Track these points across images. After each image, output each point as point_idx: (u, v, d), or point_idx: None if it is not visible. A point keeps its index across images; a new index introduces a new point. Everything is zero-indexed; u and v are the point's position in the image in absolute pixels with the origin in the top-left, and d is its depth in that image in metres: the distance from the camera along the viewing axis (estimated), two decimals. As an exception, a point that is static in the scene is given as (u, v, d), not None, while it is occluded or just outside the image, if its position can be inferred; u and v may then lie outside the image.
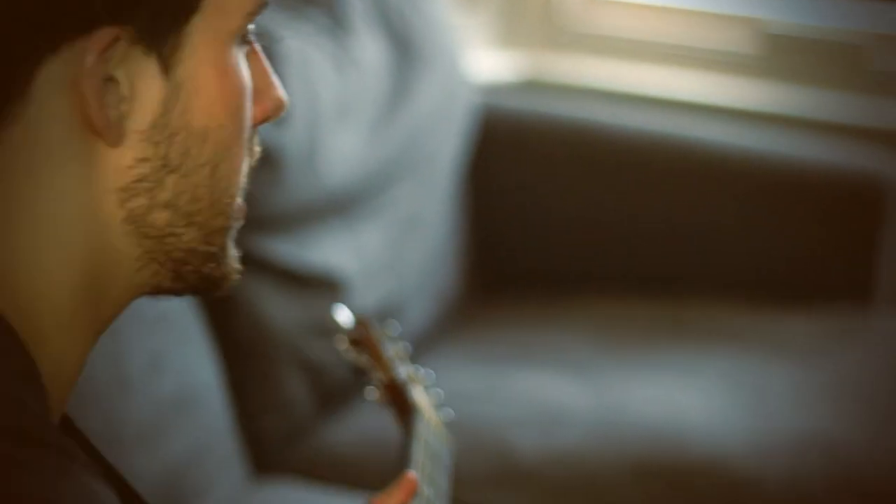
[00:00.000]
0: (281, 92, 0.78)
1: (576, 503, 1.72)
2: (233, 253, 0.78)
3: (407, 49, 2.01)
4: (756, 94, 2.47)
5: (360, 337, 1.22)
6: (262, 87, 0.77)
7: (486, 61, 2.51)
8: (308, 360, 1.88)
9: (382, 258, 2.01)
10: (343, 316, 1.23)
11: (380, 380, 1.18)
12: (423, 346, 2.05)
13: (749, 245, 2.22)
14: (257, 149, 0.78)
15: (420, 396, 1.15)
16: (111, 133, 0.70)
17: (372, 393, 1.17)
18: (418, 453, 1.06)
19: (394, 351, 1.21)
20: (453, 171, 2.21)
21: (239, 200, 0.77)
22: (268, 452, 1.83)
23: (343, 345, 1.21)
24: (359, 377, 1.21)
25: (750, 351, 2.00)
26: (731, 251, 2.22)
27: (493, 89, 2.45)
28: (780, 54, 2.47)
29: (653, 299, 2.19)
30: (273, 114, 0.78)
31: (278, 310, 1.84)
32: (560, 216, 2.28)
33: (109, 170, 0.71)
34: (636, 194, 2.26)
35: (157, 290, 0.76)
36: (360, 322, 1.23)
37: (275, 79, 0.78)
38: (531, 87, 2.58)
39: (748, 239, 2.22)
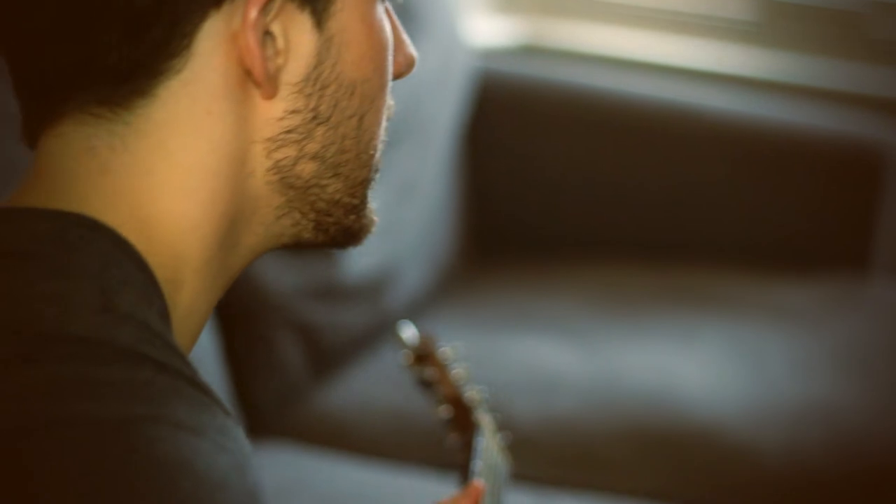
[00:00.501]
0: (413, 49, 0.81)
1: (572, 469, 1.71)
2: (371, 205, 0.80)
3: (405, 13, 2.00)
4: (755, 61, 2.46)
5: (425, 353, 1.23)
6: (396, 44, 0.79)
7: (485, 26, 2.50)
8: (303, 324, 1.88)
9: (379, 222, 2.00)
10: (408, 332, 1.25)
11: (444, 396, 1.20)
12: (419, 311, 2.05)
13: (747, 212, 2.22)
14: (391, 103, 0.80)
15: (482, 417, 1.16)
16: (268, 85, 0.72)
17: (444, 411, 1.19)
18: (480, 470, 1.06)
19: (458, 369, 1.23)
20: (451, 135, 2.21)
21: (379, 153, 0.79)
22: (262, 416, 1.82)
23: (408, 360, 1.23)
24: (424, 393, 1.23)
25: (748, 318, 2.00)
26: (729, 218, 2.22)
27: (492, 54, 2.44)
28: (780, 21, 2.46)
29: (650, 266, 2.19)
30: (406, 70, 0.80)
31: (274, 273, 1.84)
32: (558, 182, 2.28)
33: (259, 121, 0.73)
34: (634, 161, 2.25)
35: (296, 242, 0.77)
36: (425, 338, 1.25)
37: (405, 36, 0.80)
38: (529, 52, 2.57)
39: (746, 206, 2.22)
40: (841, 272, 2.15)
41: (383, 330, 2.00)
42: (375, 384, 1.87)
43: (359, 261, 1.94)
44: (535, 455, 1.70)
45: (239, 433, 0.63)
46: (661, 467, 1.71)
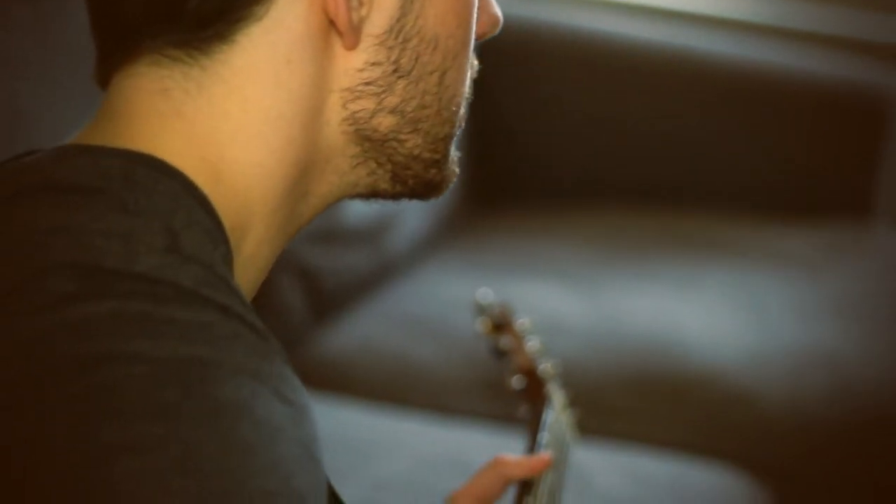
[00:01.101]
0: (498, 10, 0.80)
1: (576, 411, 1.71)
2: (454, 157, 0.79)
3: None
4: (759, 6, 2.44)
5: (502, 321, 1.23)
6: (481, 3, 0.77)
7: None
8: (304, 268, 1.88)
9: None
10: (486, 298, 1.24)
11: (518, 366, 1.19)
12: (420, 255, 2.04)
13: (750, 157, 2.21)
14: (476, 63, 0.79)
15: (554, 390, 1.16)
16: (351, 35, 0.71)
17: (518, 381, 1.18)
18: (547, 442, 1.06)
19: (534, 341, 1.22)
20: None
21: (463, 109, 0.78)
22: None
23: (485, 327, 1.22)
24: (499, 361, 1.23)
25: (750, 264, 1.99)
26: (732, 163, 2.21)
27: (494, -3, 2.42)
28: (785, -34, 2.44)
29: (653, 211, 2.18)
30: (490, 30, 0.79)
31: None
32: (560, 127, 2.26)
33: (339, 71, 0.72)
34: (637, 107, 2.24)
35: (372, 192, 0.77)
36: (503, 307, 1.24)
37: None
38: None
39: (749, 151, 2.21)
40: (844, 219, 2.14)
41: (384, 273, 1.99)
42: (376, 328, 1.87)
43: (360, 204, 1.93)
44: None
45: (297, 383, 0.63)
46: (661, 412, 1.71)
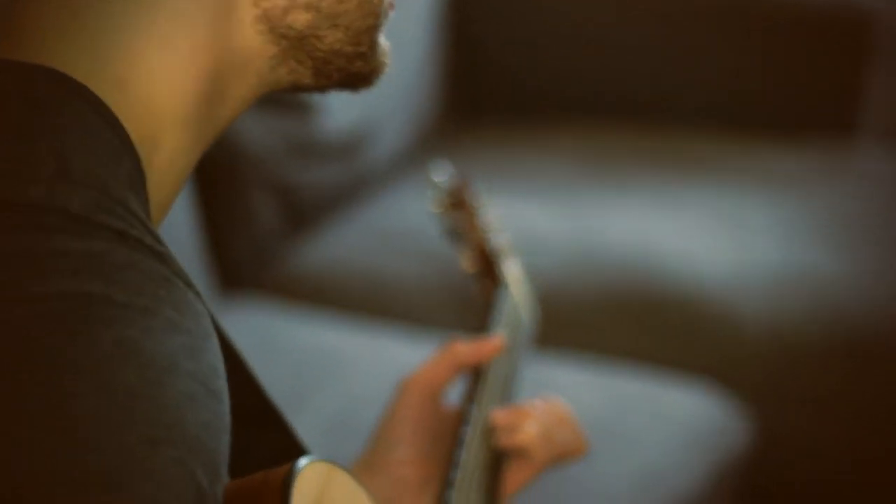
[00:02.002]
0: None
1: (550, 329, 1.70)
2: (383, 45, 0.73)
3: None
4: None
5: (457, 199, 1.17)
6: None
7: None
8: (280, 182, 1.86)
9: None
10: (441, 175, 1.18)
11: (472, 246, 1.14)
12: (398, 171, 2.02)
13: (735, 75, 2.18)
14: None
15: (511, 269, 1.11)
16: None
17: (464, 260, 1.13)
18: (500, 325, 1.02)
19: (491, 218, 1.16)
20: (433, -9, 2.16)
21: None
22: (238, 273, 1.81)
23: (438, 206, 1.16)
24: (451, 241, 1.17)
25: (732, 183, 1.97)
26: (716, 81, 2.19)
27: None
28: None
29: (635, 128, 2.16)
30: None
31: (251, 131, 1.81)
32: (542, 42, 2.23)
33: None
34: (622, 20, 2.21)
35: (295, 88, 0.72)
36: (459, 183, 1.18)
37: None
38: None
39: (734, 69, 2.18)
40: (828, 138, 2.12)
41: (362, 188, 1.98)
42: (353, 242, 1.85)
43: (337, 118, 1.91)
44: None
45: (199, 308, 0.59)
46: (640, 330, 1.70)
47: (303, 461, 0.69)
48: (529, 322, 1.09)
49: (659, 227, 1.83)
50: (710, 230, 1.83)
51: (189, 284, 0.60)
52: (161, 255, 0.59)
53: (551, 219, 1.86)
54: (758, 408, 1.63)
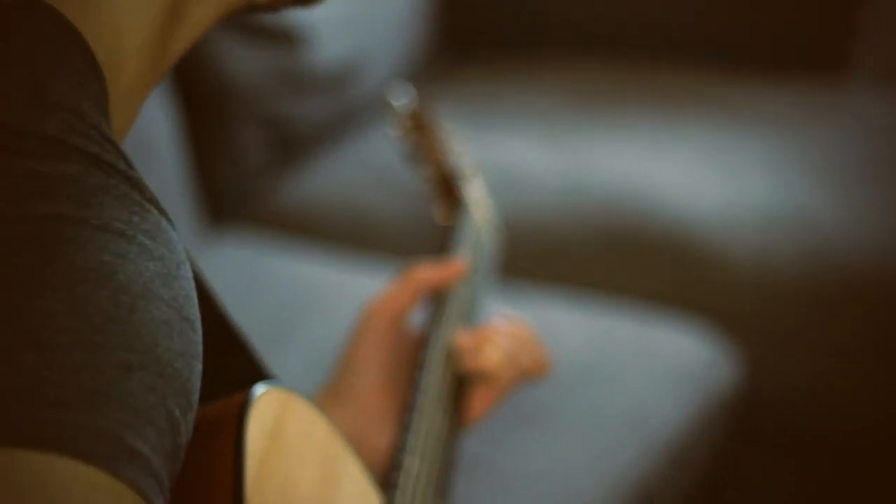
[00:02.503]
0: None
1: (541, 265, 1.70)
2: None
3: None
4: None
5: (417, 122, 1.15)
6: None
7: None
8: (268, 114, 1.85)
9: (348, 9, 1.95)
10: (400, 98, 1.15)
11: (432, 168, 1.12)
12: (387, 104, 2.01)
13: (727, 12, 2.16)
14: None
15: (472, 191, 1.09)
16: None
17: (423, 183, 1.11)
18: (463, 248, 1.01)
19: (450, 141, 1.15)
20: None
21: None
22: (224, 205, 1.80)
23: (397, 129, 1.14)
24: (410, 165, 1.15)
25: (723, 120, 1.96)
26: (708, 18, 2.17)
27: None
28: None
29: (626, 65, 2.14)
30: None
31: (241, 62, 1.79)
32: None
33: None
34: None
35: (250, 7, 0.71)
36: (418, 106, 1.16)
37: None
38: None
39: (726, 4, 2.16)
40: (822, 77, 2.11)
41: (351, 122, 1.96)
42: (339, 176, 1.84)
43: (326, 50, 1.89)
44: (504, 250, 1.68)
45: (172, 236, 0.59)
46: (629, 268, 1.69)
47: (259, 388, 0.68)
48: (491, 244, 1.08)
49: (648, 164, 1.82)
50: (700, 167, 1.81)
51: (162, 211, 0.59)
52: (134, 181, 0.58)
53: (540, 154, 1.84)
54: (746, 346, 1.63)
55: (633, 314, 1.58)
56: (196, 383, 0.56)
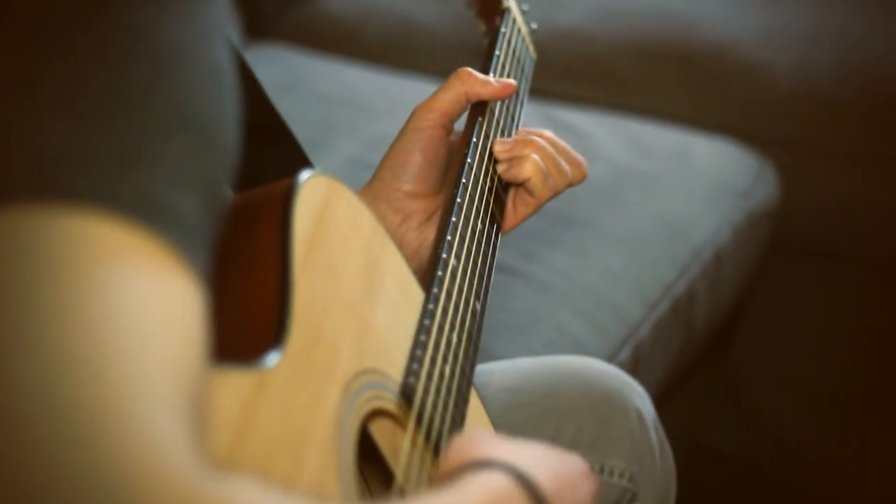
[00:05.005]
0: None
1: (579, 81, 1.69)
2: None
3: None
4: None
5: None
6: None
7: None
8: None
9: None
10: None
11: None
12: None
13: None
14: None
15: (513, 4, 1.08)
16: None
17: None
18: (504, 57, 1.00)
19: None
20: None
21: None
22: (264, 16, 1.79)
23: None
24: None
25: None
26: None
27: None
28: None
29: None
30: None
31: None
32: None
33: None
34: None
35: None
36: None
37: None
38: None
39: None
40: None
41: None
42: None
43: None
44: (540, 67, 1.67)
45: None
46: (671, 83, 1.68)
47: (305, 174, 0.68)
48: (531, 59, 1.08)
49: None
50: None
51: None
52: None
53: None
54: (783, 161, 1.62)
55: (673, 129, 1.58)
56: (232, 151, 0.55)
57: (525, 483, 0.61)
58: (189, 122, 0.52)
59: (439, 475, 0.63)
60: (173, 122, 0.52)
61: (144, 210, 0.49)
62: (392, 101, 1.55)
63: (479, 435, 0.66)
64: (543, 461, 0.64)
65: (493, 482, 0.60)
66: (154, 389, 0.47)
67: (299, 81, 1.61)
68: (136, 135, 0.50)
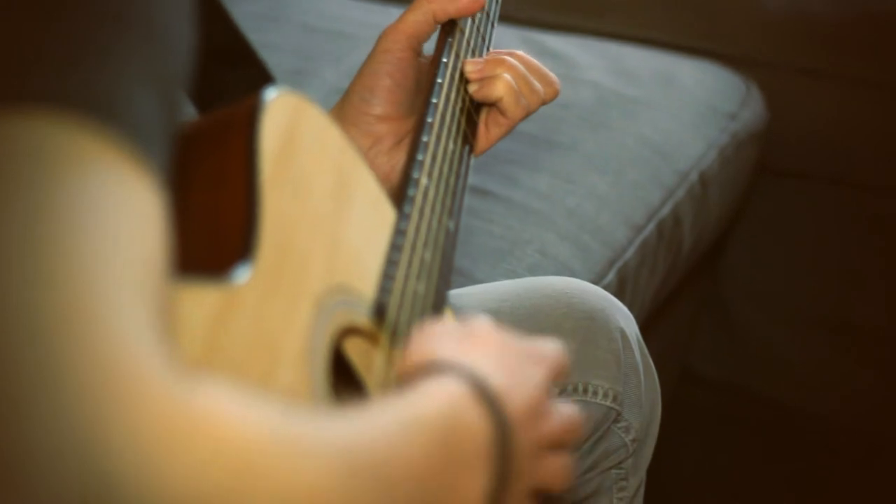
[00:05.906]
0: None
1: (566, 6, 1.68)
2: None
3: None
4: None
5: None
6: None
7: None
8: None
9: None
10: None
11: None
12: None
13: None
14: None
15: None
16: None
17: None
18: None
19: None
20: None
21: None
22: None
23: None
24: None
25: None
26: None
27: None
28: None
29: None
30: None
31: None
32: None
33: None
34: None
35: None
36: None
37: None
38: None
39: None
40: None
41: None
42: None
43: None
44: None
45: None
46: (656, 5, 1.67)
47: (271, 92, 0.67)
48: None
49: None
50: None
51: None
52: None
53: None
54: (770, 83, 1.61)
55: (658, 53, 1.57)
56: (189, 55, 0.54)
57: (476, 386, 0.61)
58: (138, 19, 0.51)
59: (397, 376, 0.63)
60: (122, 17, 0.51)
61: (95, 106, 0.48)
62: (375, 29, 1.53)
63: (437, 330, 0.65)
64: (499, 356, 0.64)
65: (443, 390, 0.60)
66: (121, 291, 0.47)
67: (282, 12, 1.60)
68: (83, 30, 0.50)
